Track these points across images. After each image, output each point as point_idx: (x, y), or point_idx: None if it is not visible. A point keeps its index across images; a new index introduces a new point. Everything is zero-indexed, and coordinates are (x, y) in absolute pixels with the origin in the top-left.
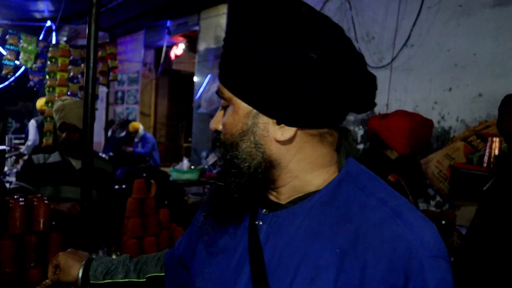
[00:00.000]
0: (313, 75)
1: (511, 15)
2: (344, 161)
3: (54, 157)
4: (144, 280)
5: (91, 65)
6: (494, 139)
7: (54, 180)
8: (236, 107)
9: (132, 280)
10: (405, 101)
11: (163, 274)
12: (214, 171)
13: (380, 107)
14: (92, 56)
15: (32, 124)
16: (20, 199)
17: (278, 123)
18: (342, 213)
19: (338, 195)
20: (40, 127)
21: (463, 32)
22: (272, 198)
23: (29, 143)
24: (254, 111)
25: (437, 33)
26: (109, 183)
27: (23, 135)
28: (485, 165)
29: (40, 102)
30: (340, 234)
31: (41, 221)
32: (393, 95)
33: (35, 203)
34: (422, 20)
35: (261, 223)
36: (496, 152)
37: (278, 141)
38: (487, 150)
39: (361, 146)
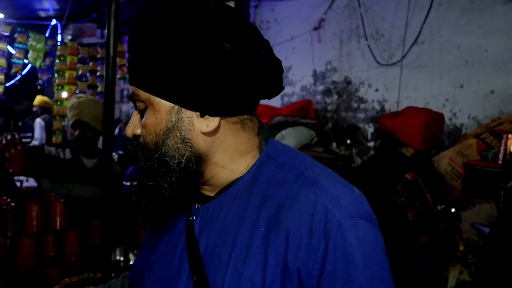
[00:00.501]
0: (230, 63)
1: None
2: (265, 144)
3: (66, 154)
4: None
5: (111, 61)
6: (510, 136)
7: (63, 177)
8: (157, 106)
9: None
10: (416, 99)
11: None
12: (135, 183)
13: (391, 105)
14: (111, 53)
15: (38, 123)
16: (37, 199)
17: (202, 115)
18: (263, 194)
19: (259, 177)
20: (47, 126)
21: (474, 28)
22: (204, 192)
23: (36, 142)
24: (176, 107)
25: (447, 30)
26: (117, 183)
27: (29, 134)
28: (500, 162)
29: (38, 99)
30: (263, 214)
31: (58, 219)
32: (403, 92)
33: (51, 202)
34: (433, 17)
35: (194, 218)
36: (511, 149)
37: (204, 133)
38: (502, 147)
39: (371, 144)
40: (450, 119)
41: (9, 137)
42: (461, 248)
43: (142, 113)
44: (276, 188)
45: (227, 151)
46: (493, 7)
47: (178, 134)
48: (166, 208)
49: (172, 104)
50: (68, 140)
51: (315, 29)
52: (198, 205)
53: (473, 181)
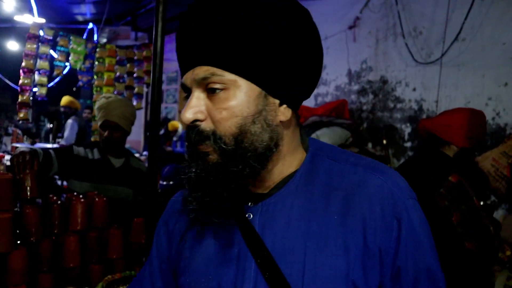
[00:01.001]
0: (313, 59)
1: None
2: (307, 140)
3: (94, 154)
4: None
5: (158, 62)
6: None
7: (91, 177)
8: (245, 89)
9: None
10: (456, 98)
11: None
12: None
13: (429, 104)
14: (158, 55)
15: (70, 124)
16: (81, 196)
17: (281, 104)
18: (326, 185)
19: (316, 170)
20: (80, 127)
21: None
22: (254, 190)
23: (64, 142)
24: (264, 92)
25: (491, 26)
26: (145, 182)
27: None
28: None
29: (64, 99)
30: (332, 203)
31: (101, 217)
32: (443, 91)
33: (95, 199)
34: (475, 13)
35: (251, 216)
36: None
37: (281, 122)
38: None
39: (408, 144)
40: (493, 118)
41: (20, 159)
42: (508, 253)
43: (212, 95)
44: (338, 177)
45: (288, 144)
46: None
47: (263, 120)
48: (223, 202)
49: (260, 89)
50: (96, 141)
51: (350, 28)
52: (251, 204)
53: None
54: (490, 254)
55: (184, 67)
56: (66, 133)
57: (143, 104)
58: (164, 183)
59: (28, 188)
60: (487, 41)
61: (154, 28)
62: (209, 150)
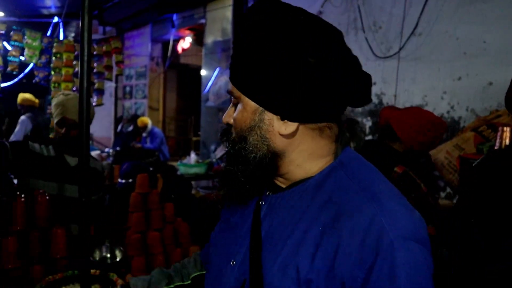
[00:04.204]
0: (311, 76)
1: None
2: (340, 151)
3: (50, 151)
4: (189, 282)
5: (85, 58)
6: (505, 128)
7: (44, 174)
8: (245, 105)
9: (177, 284)
10: (414, 91)
11: (204, 272)
12: (222, 164)
13: (388, 98)
14: (86, 50)
15: (21, 120)
16: (22, 195)
17: (282, 119)
18: (328, 196)
19: (327, 180)
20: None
21: (473, 19)
22: (278, 183)
23: (13, 137)
24: (261, 108)
25: (446, 21)
26: (99, 181)
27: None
28: None
29: (19, 97)
30: (323, 214)
31: (44, 216)
32: (401, 85)
33: (38, 199)
34: (431, 8)
35: (263, 203)
36: (507, 142)
37: (282, 135)
38: (498, 140)
39: (369, 137)
40: (448, 112)
41: None
42: None
43: (235, 106)
44: (340, 193)
45: (303, 153)
46: None
47: (258, 132)
48: (240, 192)
49: (257, 106)
50: (52, 137)
51: None
52: (269, 193)
53: (468, 174)
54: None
55: None
56: (16, 129)
57: (113, 99)
58: (123, 181)
59: None
60: (442, 36)
61: (80, 23)
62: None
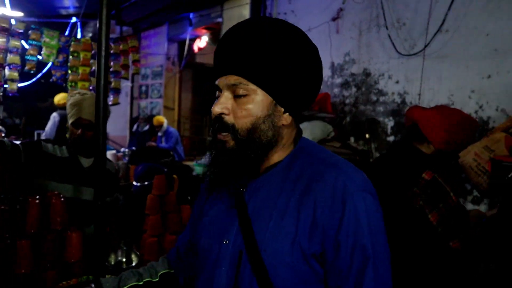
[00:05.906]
0: (308, 80)
1: None
2: (298, 138)
3: (63, 152)
4: (158, 279)
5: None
6: None
7: (57, 175)
8: (262, 97)
9: (146, 280)
10: (439, 90)
11: (172, 270)
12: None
13: (412, 97)
14: (103, 47)
15: (53, 118)
16: (37, 197)
17: (284, 112)
18: (298, 172)
19: (295, 161)
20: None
21: (505, 14)
22: (257, 168)
23: (44, 136)
24: (274, 101)
25: (475, 17)
26: (112, 183)
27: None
28: None
29: (57, 97)
30: (297, 185)
31: (58, 219)
32: (426, 84)
33: (52, 201)
34: (458, 3)
35: (244, 190)
36: None
37: (283, 125)
38: None
39: (391, 138)
40: (476, 111)
41: None
42: None
43: (237, 98)
44: (307, 168)
45: (284, 141)
46: None
47: (270, 121)
48: (230, 175)
49: (272, 99)
50: (66, 138)
51: (333, 19)
52: (249, 179)
53: (500, 178)
54: (478, 251)
55: (219, 73)
56: (47, 127)
57: (128, 99)
58: (138, 184)
59: None
60: (471, 32)
61: (98, 20)
62: (227, 139)
